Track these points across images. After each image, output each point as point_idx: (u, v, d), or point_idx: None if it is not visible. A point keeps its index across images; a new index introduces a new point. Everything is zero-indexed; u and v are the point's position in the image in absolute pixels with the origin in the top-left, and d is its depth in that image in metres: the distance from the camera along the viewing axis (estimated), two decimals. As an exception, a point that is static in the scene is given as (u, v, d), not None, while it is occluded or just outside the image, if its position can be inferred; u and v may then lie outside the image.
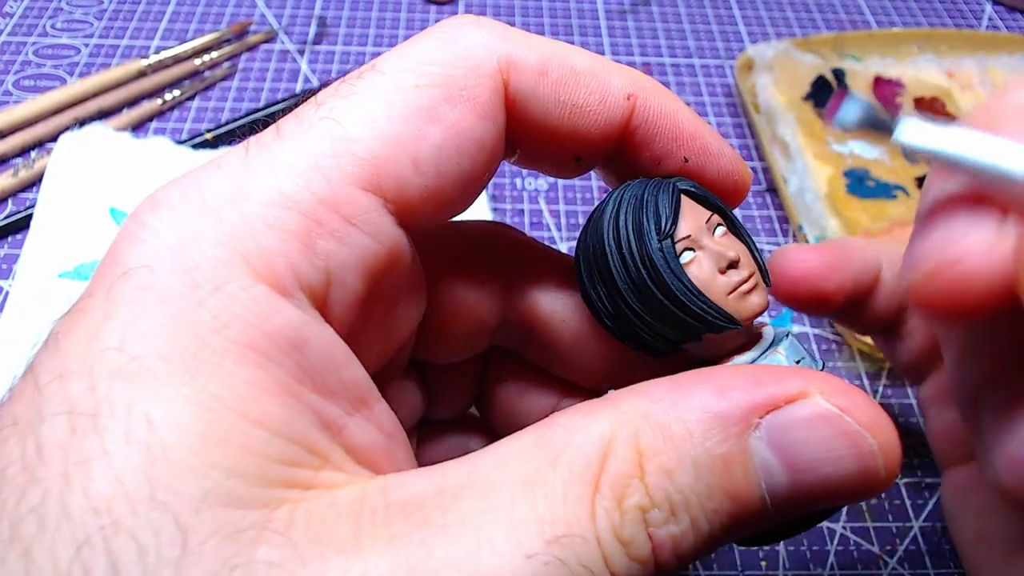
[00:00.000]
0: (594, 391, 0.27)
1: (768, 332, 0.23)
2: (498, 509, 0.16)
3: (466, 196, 0.21)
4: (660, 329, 0.21)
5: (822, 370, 0.20)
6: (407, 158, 0.19)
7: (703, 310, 0.20)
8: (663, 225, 0.20)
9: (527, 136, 0.22)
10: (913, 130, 0.16)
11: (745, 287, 0.21)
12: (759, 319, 0.22)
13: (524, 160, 0.23)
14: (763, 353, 0.22)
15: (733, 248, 0.21)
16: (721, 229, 0.21)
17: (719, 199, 0.22)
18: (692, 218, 0.21)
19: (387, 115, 0.19)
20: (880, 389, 0.45)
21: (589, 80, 0.21)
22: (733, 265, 0.21)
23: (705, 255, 0.21)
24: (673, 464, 0.17)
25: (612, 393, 0.18)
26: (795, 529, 0.20)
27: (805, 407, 0.17)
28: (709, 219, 0.21)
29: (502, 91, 0.20)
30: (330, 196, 0.18)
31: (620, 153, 0.23)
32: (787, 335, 0.22)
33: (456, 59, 0.20)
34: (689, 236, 0.21)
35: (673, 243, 0.20)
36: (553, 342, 0.25)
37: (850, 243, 0.30)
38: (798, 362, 0.22)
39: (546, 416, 0.18)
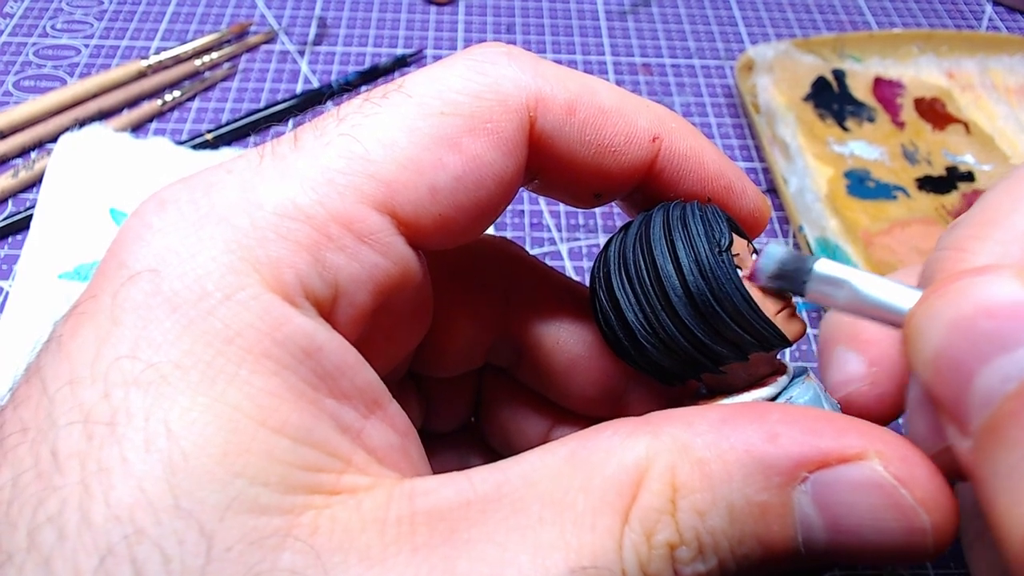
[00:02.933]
0: (587, 418, 0.26)
1: (789, 368, 0.23)
2: (525, 528, 0.16)
3: (479, 226, 0.21)
4: (706, 346, 0.21)
5: (840, 411, 0.20)
6: (425, 185, 0.19)
7: (760, 325, 0.20)
8: (722, 241, 0.21)
9: (550, 171, 0.22)
10: (827, 265, 0.20)
11: (788, 310, 0.21)
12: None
13: (542, 190, 0.23)
14: (782, 391, 0.22)
15: None
16: (756, 256, 0.22)
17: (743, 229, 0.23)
18: (737, 240, 0.21)
19: (409, 140, 0.19)
20: (880, 390, 0.45)
21: (616, 120, 0.21)
22: None
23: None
24: (707, 505, 0.16)
25: (654, 414, 0.18)
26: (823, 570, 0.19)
27: (859, 470, 0.16)
28: (748, 244, 0.22)
29: (527, 127, 0.20)
30: (343, 212, 0.18)
31: (641, 188, 0.23)
32: (806, 371, 0.22)
33: (484, 91, 0.19)
34: (739, 255, 0.21)
35: (731, 258, 0.21)
36: (544, 364, 0.25)
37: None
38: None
39: (541, 441, 0.18)
